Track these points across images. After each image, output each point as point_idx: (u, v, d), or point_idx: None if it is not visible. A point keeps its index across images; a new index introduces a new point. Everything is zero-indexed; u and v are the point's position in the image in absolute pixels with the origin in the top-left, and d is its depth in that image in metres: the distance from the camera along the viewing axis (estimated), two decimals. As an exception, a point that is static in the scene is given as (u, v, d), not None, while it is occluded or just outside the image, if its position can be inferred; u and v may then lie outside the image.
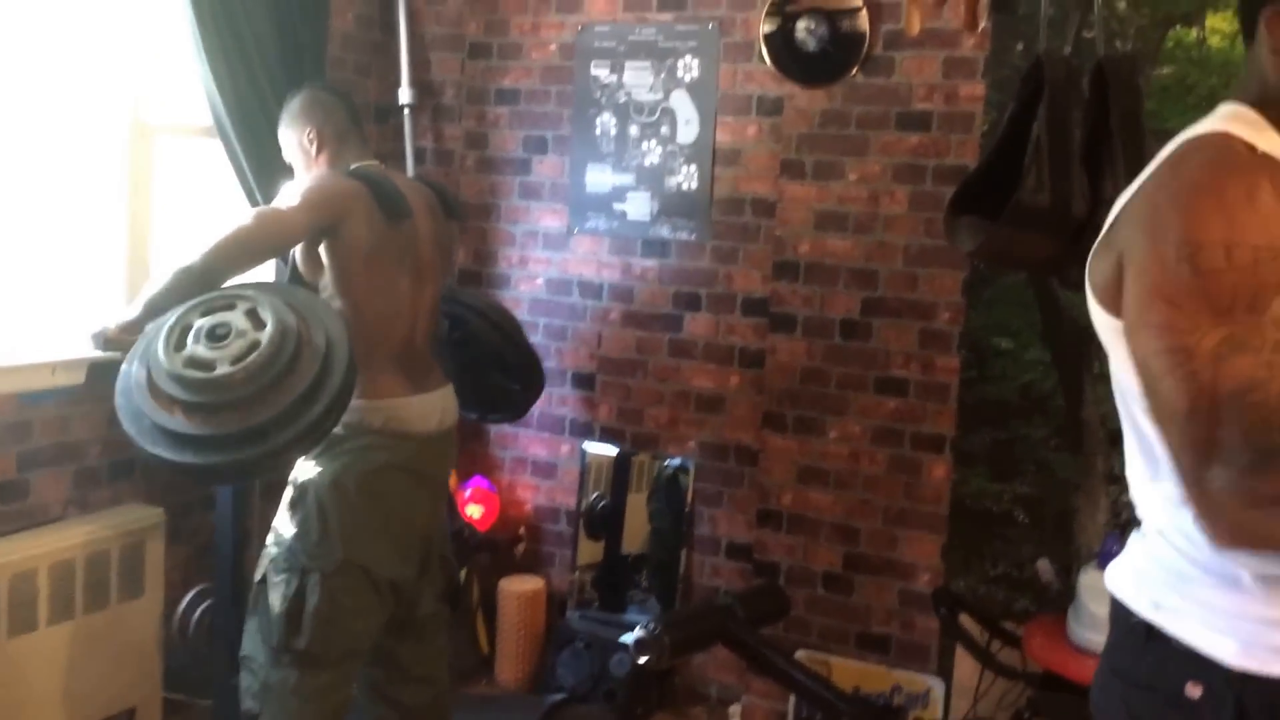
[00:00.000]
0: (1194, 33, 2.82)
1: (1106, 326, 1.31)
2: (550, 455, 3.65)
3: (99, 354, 2.69)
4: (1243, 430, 1.14)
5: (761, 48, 3.24)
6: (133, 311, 2.42)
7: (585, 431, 3.58)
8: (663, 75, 3.41)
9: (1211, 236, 1.15)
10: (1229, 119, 1.28)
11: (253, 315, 2.21)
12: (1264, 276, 1.15)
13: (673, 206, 3.42)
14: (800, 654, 3.20)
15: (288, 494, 2.46)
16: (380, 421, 2.45)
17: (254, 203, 3.12)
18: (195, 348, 2.16)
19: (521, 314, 3.64)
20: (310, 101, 2.63)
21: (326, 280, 2.51)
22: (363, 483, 2.42)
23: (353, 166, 2.55)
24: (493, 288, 3.69)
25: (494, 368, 2.75)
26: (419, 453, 2.52)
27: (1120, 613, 1.36)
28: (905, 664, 3.18)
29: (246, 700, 2.45)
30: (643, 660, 2.46)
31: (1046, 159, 2.35)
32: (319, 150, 2.60)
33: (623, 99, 3.48)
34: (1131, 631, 1.32)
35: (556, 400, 3.62)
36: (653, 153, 3.44)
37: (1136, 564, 1.35)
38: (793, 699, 3.21)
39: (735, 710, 3.38)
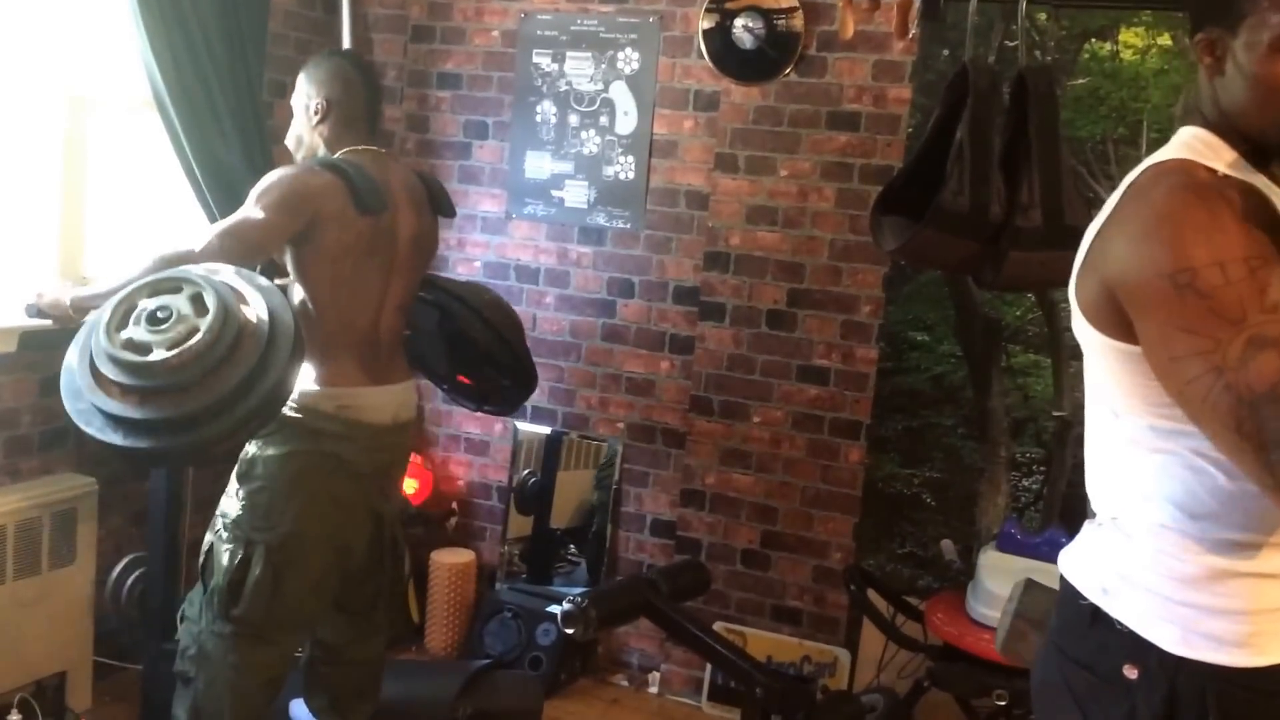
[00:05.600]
0: (1108, 46, 2.82)
1: (1092, 340, 1.28)
2: (484, 433, 3.57)
3: (31, 323, 2.57)
4: None
5: (700, 43, 3.18)
6: (77, 291, 2.33)
7: (518, 411, 3.50)
8: (603, 66, 3.32)
9: (1201, 259, 1.13)
10: (1186, 145, 1.26)
11: (197, 300, 2.07)
12: (1263, 280, 1.13)
13: (609, 195, 3.34)
14: (718, 625, 3.18)
15: (238, 466, 2.33)
16: (333, 408, 2.31)
17: (191, 177, 2.99)
18: (135, 329, 2.04)
19: (459, 294, 3.55)
20: (336, 71, 2.39)
21: (288, 264, 2.36)
22: (312, 462, 2.30)
23: (339, 153, 2.36)
24: (431, 269, 3.57)
25: (485, 363, 2.62)
26: (371, 443, 2.38)
27: (1069, 595, 1.36)
28: (815, 635, 3.19)
29: (181, 661, 2.34)
30: (570, 632, 2.42)
31: (968, 164, 2.33)
32: (320, 121, 2.39)
33: (563, 88, 3.38)
34: (1079, 613, 1.32)
35: (491, 378, 3.53)
36: (591, 142, 3.36)
37: (1088, 550, 1.35)
38: (709, 667, 3.20)
39: (655, 678, 3.36)
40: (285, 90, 3.48)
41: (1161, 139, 2.78)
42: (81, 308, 2.39)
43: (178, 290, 2.10)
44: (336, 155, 2.36)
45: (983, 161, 2.33)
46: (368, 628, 2.61)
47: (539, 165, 3.43)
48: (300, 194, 2.25)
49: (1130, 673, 1.25)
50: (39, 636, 2.67)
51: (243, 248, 2.22)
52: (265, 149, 3.20)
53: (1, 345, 2.70)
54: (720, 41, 3.15)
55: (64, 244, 2.85)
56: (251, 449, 2.31)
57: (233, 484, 2.33)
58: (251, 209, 2.24)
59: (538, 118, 3.41)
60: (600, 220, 3.36)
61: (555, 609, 2.43)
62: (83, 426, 2.03)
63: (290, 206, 2.24)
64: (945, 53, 2.95)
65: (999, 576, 2.64)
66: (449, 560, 3.44)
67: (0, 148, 2.72)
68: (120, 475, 2.98)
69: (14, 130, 2.74)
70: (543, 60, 3.40)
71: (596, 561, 3.43)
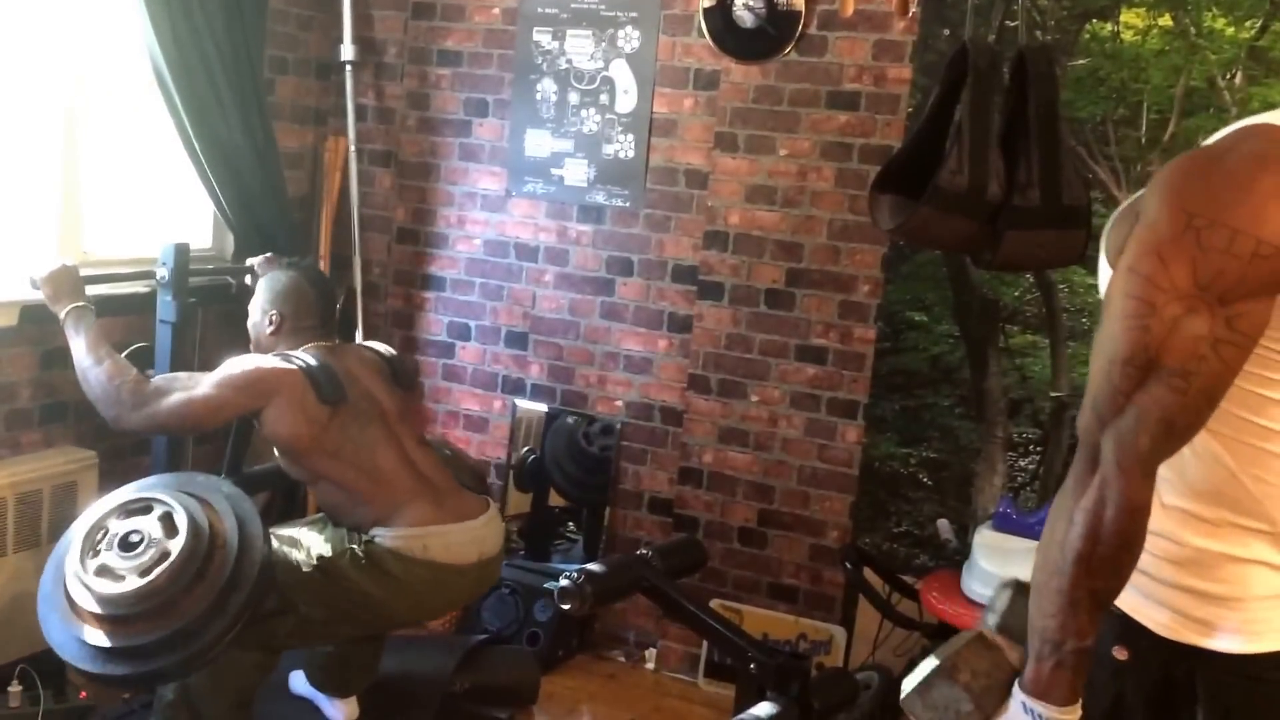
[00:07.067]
0: (1109, 27, 2.79)
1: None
2: (483, 410, 3.56)
3: (31, 296, 2.57)
4: (1150, 413, 1.11)
5: (701, 22, 3.15)
6: (69, 317, 2.40)
7: (517, 388, 3.49)
8: (603, 44, 3.30)
9: (1226, 219, 1.11)
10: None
11: (167, 521, 2.11)
12: (1254, 271, 1.10)
13: (609, 174, 3.32)
14: (715, 602, 3.18)
15: (325, 553, 2.32)
16: (419, 549, 2.31)
17: (192, 154, 2.98)
18: (107, 555, 2.09)
19: (458, 273, 3.54)
20: (292, 288, 2.52)
21: (284, 464, 2.42)
22: (384, 605, 2.33)
23: (296, 351, 2.44)
24: (431, 247, 3.57)
25: None
26: (454, 583, 2.40)
27: None
28: (811, 613, 3.18)
29: None
30: (566, 607, 2.41)
31: (966, 143, 2.30)
32: (275, 332, 2.51)
33: (563, 66, 3.36)
34: None
35: (490, 357, 3.52)
36: (591, 120, 3.33)
37: None
38: (705, 644, 3.20)
39: (651, 654, 3.36)
40: (286, 67, 3.46)
41: (1161, 120, 2.77)
42: (64, 326, 2.43)
43: (148, 511, 2.13)
44: (294, 353, 2.45)
45: (982, 141, 2.31)
46: None
47: (539, 143, 3.40)
48: (258, 377, 2.33)
49: (1120, 654, 1.24)
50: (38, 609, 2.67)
51: (184, 423, 2.32)
52: (266, 126, 3.18)
53: (2, 319, 2.68)
54: (721, 20, 3.12)
55: (64, 219, 2.83)
56: (346, 555, 2.30)
57: (310, 556, 2.32)
58: (203, 386, 2.30)
59: (538, 96, 3.39)
60: (599, 199, 3.34)
61: (552, 585, 2.43)
62: (62, 655, 2.08)
63: (244, 386, 2.31)
64: (946, 32, 2.92)
65: (995, 556, 2.63)
66: (448, 536, 3.44)
67: (2, 123, 2.71)
68: (121, 449, 2.97)
69: (16, 106, 2.73)
70: (543, 38, 3.37)
71: (594, 539, 3.42)
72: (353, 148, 3.49)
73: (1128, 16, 2.77)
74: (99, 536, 2.13)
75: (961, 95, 2.33)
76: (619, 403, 3.38)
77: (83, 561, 2.09)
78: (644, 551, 2.62)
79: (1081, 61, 2.81)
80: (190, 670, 2.15)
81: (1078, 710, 1.16)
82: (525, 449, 3.48)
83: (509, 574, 3.35)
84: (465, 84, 3.49)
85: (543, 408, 3.45)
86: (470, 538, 2.41)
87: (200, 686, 2.29)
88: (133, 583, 2.04)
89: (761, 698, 2.29)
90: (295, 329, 2.51)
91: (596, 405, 3.41)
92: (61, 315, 2.43)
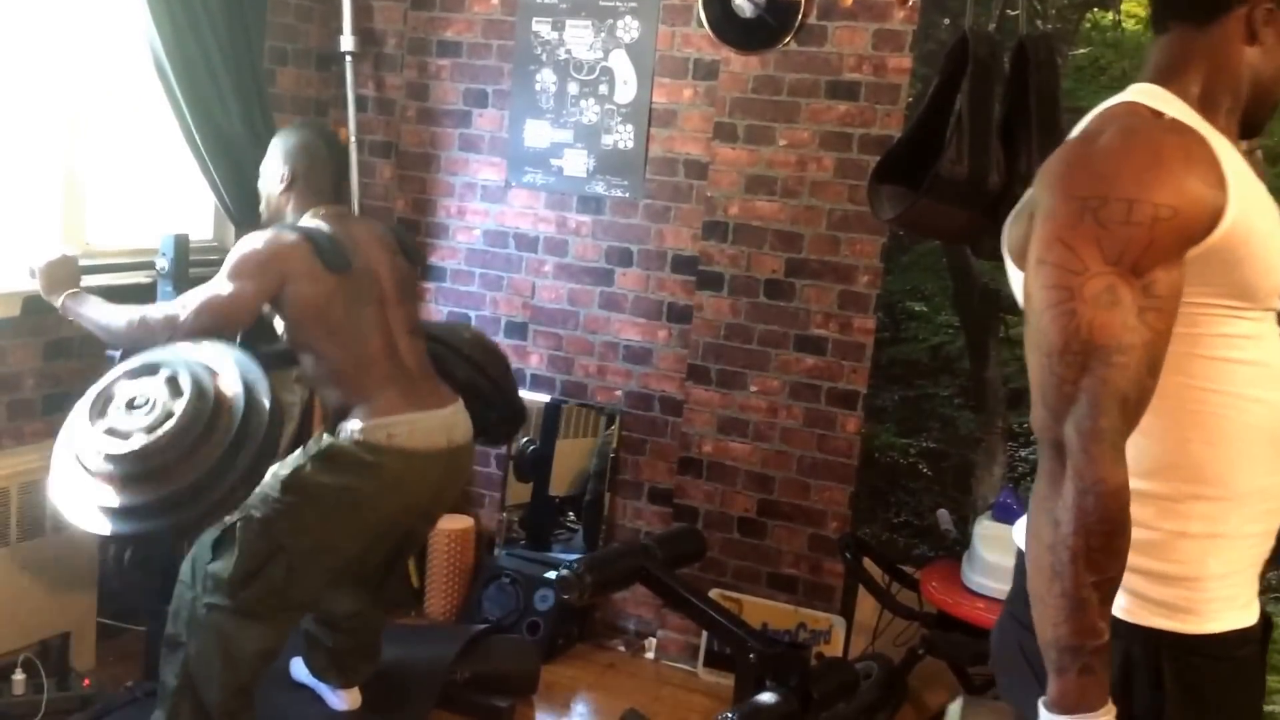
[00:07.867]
0: (1110, 16, 2.78)
1: (1021, 284, 1.27)
2: (483, 399, 3.55)
3: (34, 287, 2.57)
4: (1100, 394, 1.12)
5: (700, 12, 3.13)
6: (68, 299, 2.40)
7: (517, 379, 3.48)
8: (603, 35, 3.28)
9: (1116, 193, 1.15)
10: (1138, 92, 1.28)
11: (172, 383, 2.12)
12: (1158, 234, 1.14)
13: (608, 164, 3.31)
14: (714, 592, 3.18)
15: (288, 474, 2.30)
16: (384, 438, 2.30)
17: (193, 144, 2.98)
18: (114, 417, 2.11)
19: (458, 263, 3.53)
20: (303, 145, 2.48)
21: (284, 332, 2.40)
22: (361, 496, 2.31)
23: (305, 216, 2.42)
24: (431, 237, 3.56)
25: (473, 399, 2.61)
26: (426, 470, 2.38)
27: (1022, 564, 1.34)
28: (811, 603, 3.18)
29: (173, 624, 2.35)
30: (566, 597, 2.41)
31: (967, 133, 2.30)
32: (286, 190, 2.47)
33: (563, 56, 3.34)
34: None
35: (490, 347, 3.52)
36: (590, 111, 3.32)
37: None
38: (705, 634, 3.20)
39: (651, 643, 3.36)
40: (286, 58, 3.45)
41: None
42: (64, 312, 2.43)
43: (154, 373, 2.15)
44: (303, 218, 2.42)
45: (982, 130, 2.31)
46: (372, 599, 2.62)
47: (538, 134, 3.39)
48: (267, 258, 2.30)
49: None
50: (43, 597, 2.67)
51: (217, 321, 2.29)
52: (266, 116, 3.17)
53: (5, 310, 2.69)
54: (720, 10, 3.10)
55: (67, 211, 2.83)
56: (306, 465, 2.30)
57: (276, 483, 2.30)
58: (222, 282, 2.29)
59: (537, 86, 3.38)
60: (599, 189, 3.33)
61: (553, 575, 2.43)
62: (73, 521, 2.10)
63: (259, 272, 2.29)
64: (946, 21, 2.91)
65: (995, 546, 2.63)
66: (448, 526, 3.43)
67: (5, 116, 2.71)
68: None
69: (19, 99, 2.72)
70: (542, 28, 3.35)
71: (594, 528, 3.42)
72: (353, 139, 3.49)
73: (1129, 5, 2.76)
74: (106, 399, 2.15)
75: (962, 85, 2.32)
76: (618, 393, 3.38)
77: (90, 424, 2.11)
78: (644, 541, 2.63)
79: (1082, 51, 2.80)
80: (203, 526, 2.18)
81: (1113, 709, 1.14)
82: (525, 439, 3.47)
83: (509, 563, 3.36)
84: (465, 74, 3.48)
85: (543, 398, 3.45)
86: (438, 424, 2.39)
87: (202, 674, 2.29)
88: (139, 440, 2.06)
89: (761, 687, 2.29)
90: (307, 188, 2.46)
91: (596, 395, 3.41)
92: (58, 304, 2.43)
